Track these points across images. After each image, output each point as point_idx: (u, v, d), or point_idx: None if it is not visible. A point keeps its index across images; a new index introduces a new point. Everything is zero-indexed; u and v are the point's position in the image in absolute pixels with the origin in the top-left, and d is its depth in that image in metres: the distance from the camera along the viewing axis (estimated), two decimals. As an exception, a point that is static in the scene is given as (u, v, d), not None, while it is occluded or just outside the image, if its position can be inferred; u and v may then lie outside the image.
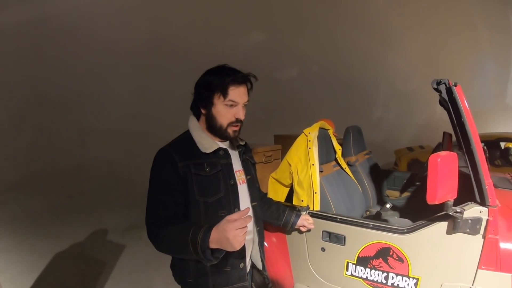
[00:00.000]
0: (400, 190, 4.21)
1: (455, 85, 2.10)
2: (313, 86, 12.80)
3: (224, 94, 1.63)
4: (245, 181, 1.85)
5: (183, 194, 1.63)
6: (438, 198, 1.81)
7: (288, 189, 3.00)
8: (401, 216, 3.34)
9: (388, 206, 3.37)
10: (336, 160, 3.28)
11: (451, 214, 1.92)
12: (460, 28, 13.25)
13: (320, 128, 2.95)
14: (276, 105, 11.52)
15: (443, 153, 1.81)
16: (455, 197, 1.89)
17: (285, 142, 5.25)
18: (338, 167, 3.24)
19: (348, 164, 3.52)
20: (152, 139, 9.67)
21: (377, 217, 3.27)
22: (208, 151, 1.70)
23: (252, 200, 1.85)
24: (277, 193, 3.01)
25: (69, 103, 10.43)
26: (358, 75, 13.00)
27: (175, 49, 11.21)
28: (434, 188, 1.78)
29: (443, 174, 1.78)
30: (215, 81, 1.63)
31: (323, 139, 3.01)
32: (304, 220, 2.36)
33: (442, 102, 3.68)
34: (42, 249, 5.02)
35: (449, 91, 2.12)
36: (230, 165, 1.78)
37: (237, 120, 1.71)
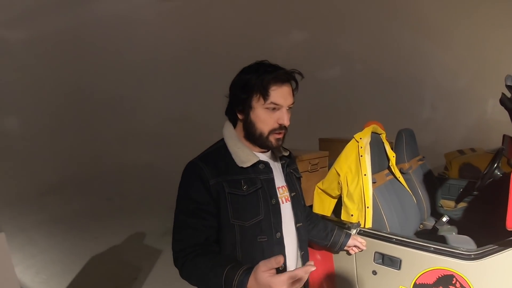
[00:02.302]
0: (456, 200, 3.88)
1: None
2: (357, 86, 12.33)
3: (265, 95, 1.38)
4: (289, 199, 1.58)
5: (215, 217, 1.42)
6: None
7: (335, 200, 2.71)
8: (459, 232, 3.03)
9: (444, 219, 3.08)
10: (389, 168, 2.99)
11: None
12: (509, 19, 12.50)
13: (372, 132, 2.66)
14: (318, 106, 11.15)
15: None
16: None
17: (331, 146, 4.99)
18: (391, 176, 2.95)
19: (401, 172, 3.22)
20: (192, 141, 9.58)
21: (433, 232, 2.99)
22: (245, 165, 1.45)
23: (296, 221, 1.59)
24: (323, 205, 2.74)
25: (110, 106, 10.52)
26: (403, 73, 12.36)
27: (215, 50, 11.06)
28: None
29: None
30: (253, 80, 1.38)
31: (376, 145, 2.71)
32: (355, 241, 2.09)
33: (504, 101, 3.33)
34: (79, 251, 4.99)
35: (529, 89, 1.81)
36: (271, 181, 1.52)
37: (281, 127, 1.45)
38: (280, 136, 1.48)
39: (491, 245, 1.84)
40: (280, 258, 1.10)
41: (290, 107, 1.45)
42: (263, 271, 1.11)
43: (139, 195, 7.85)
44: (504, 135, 3.71)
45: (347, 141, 2.60)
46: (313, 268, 1.11)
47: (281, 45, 11.70)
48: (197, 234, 1.38)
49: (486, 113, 12.87)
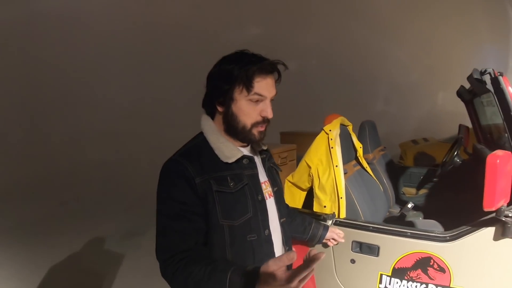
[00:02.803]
0: (417, 187, 4.04)
1: (501, 75, 1.87)
2: (313, 80, 12.51)
3: (248, 86, 1.32)
4: (272, 194, 1.54)
5: (203, 218, 1.33)
6: (496, 204, 1.61)
7: (305, 193, 2.74)
8: (425, 217, 3.14)
9: (409, 206, 3.19)
10: (356, 158, 3.04)
11: (503, 219, 1.70)
12: (459, 19, 13.12)
13: (340, 124, 2.69)
14: (276, 100, 11.28)
15: (499, 152, 1.61)
16: (508, 200, 1.70)
17: (293, 139, 5.03)
18: (359, 167, 3.01)
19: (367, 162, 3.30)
20: (149, 139, 9.41)
21: (401, 218, 3.07)
22: (230, 160, 1.38)
23: (280, 216, 1.55)
24: (294, 198, 2.75)
25: (60, 103, 9.98)
26: (359, 67, 12.70)
27: (170, 44, 10.79)
28: (492, 193, 1.59)
29: (501, 176, 1.57)
30: (236, 70, 1.31)
31: (344, 137, 2.74)
32: (334, 233, 2.06)
33: (462, 93, 3.49)
34: (36, 262, 4.66)
35: (495, 81, 1.89)
36: (256, 177, 1.47)
37: (264, 120, 1.40)
38: (263, 129, 1.43)
39: (464, 227, 1.93)
40: (293, 254, 1.02)
41: (272, 99, 1.42)
42: (274, 270, 1.03)
43: (95, 197, 7.50)
44: (460, 125, 3.88)
45: (309, 134, 2.63)
46: (322, 255, 1.05)
47: (237, 38, 11.60)
48: (185, 239, 1.29)
49: (436, 105, 13.52)
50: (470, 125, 3.86)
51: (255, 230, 1.39)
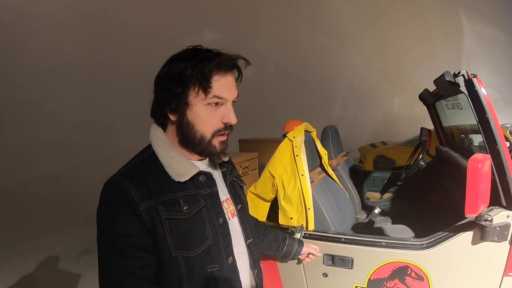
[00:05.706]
0: (381, 191, 4.00)
1: (475, 77, 1.81)
2: (271, 86, 12.54)
3: (206, 87, 1.10)
4: (235, 213, 1.33)
5: (152, 252, 1.11)
6: (478, 210, 1.55)
7: (269, 204, 2.57)
8: (392, 221, 3.08)
9: (376, 211, 3.13)
10: (321, 165, 2.92)
11: (482, 223, 1.67)
12: (413, 24, 13.55)
13: (304, 131, 2.56)
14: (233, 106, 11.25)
15: (479, 156, 1.54)
16: (488, 205, 1.64)
17: (252, 147, 4.88)
18: (324, 174, 2.89)
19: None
20: (103, 149, 9.05)
21: (370, 225, 2.99)
22: (183, 179, 1.15)
23: (246, 237, 1.35)
24: (257, 211, 2.56)
25: (8, 113, 9.46)
26: (316, 73, 12.91)
27: (124, 50, 10.41)
28: (475, 199, 1.52)
29: (482, 181, 1.50)
30: (190, 68, 1.09)
31: (308, 144, 2.59)
32: (310, 248, 1.91)
33: (424, 96, 3.48)
34: (-15, 285, 4.34)
35: (469, 83, 1.82)
36: (215, 196, 1.24)
37: (226, 126, 1.18)
38: (225, 138, 1.22)
39: (441, 233, 1.86)
40: None
41: (234, 102, 1.21)
42: None
43: (47, 213, 7.13)
44: (422, 128, 3.89)
45: (270, 141, 2.50)
46: None
47: (193, 43, 11.46)
48: (132, 278, 1.07)
49: (392, 109, 13.92)
50: (428, 128, 3.89)
51: (216, 259, 1.18)
